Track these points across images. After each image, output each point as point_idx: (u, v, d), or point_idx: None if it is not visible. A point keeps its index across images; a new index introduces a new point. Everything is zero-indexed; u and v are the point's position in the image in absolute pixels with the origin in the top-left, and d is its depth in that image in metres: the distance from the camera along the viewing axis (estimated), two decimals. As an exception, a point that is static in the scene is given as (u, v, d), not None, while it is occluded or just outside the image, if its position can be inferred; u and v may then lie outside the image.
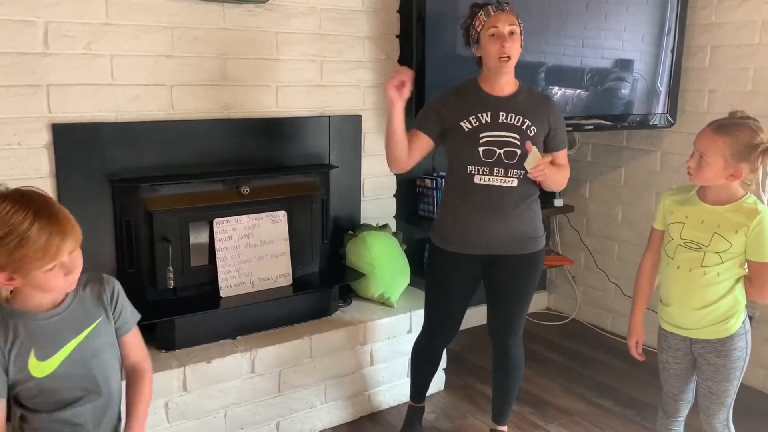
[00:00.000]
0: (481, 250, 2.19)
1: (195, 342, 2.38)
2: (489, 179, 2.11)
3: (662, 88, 3.22)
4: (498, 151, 2.09)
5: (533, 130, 2.11)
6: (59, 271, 1.36)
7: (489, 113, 2.12)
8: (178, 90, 2.42)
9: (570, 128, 3.22)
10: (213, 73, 2.48)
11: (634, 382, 3.08)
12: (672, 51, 3.18)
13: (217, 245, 2.47)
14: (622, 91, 3.19)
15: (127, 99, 2.33)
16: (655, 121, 3.29)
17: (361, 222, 2.94)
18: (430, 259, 2.35)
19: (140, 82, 2.35)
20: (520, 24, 2.10)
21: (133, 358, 1.62)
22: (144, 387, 1.61)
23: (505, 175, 2.11)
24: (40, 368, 1.42)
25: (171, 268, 2.37)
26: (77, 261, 1.41)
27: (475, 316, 3.24)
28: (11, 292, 1.43)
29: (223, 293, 2.48)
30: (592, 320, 3.80)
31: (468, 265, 2.22)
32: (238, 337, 2.47)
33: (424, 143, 2.18)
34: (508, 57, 2.06)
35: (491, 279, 2.28)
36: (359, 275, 2.78)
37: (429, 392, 2.88)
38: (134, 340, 1.63)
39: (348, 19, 2.76)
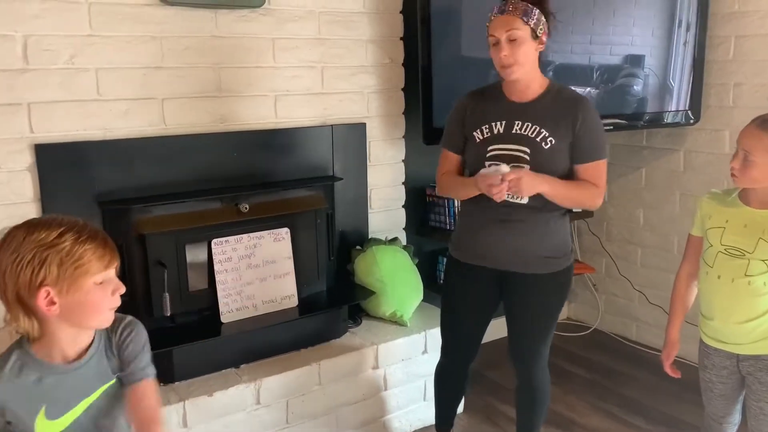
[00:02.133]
0: (492, 263, 2.02)
1: (195, 373, 2.23)
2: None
3: (674, 83, 3.09)
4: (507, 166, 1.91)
5: (550, 141, 1.89)
6: (108, 286, 1.26)
7: (504, 122, 1.94)
8: (169, 103, 2.28)
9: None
10: (207, 84, 2.34)
11: (665, 396, 2.90)
12: (685, 44, 3.04)
13: (217, 267, 2.32)
14: (635, 88, 3.07)
15: (115, 115, 2.19)
16: (677, 118, 3.12)
17: (369, 236, 2.79)
18: (445, 271, 2.22)
19: (128, 97, 2.21)
20: (529, 21, 1.84)
21: (141, 413, 1.35)
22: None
23: None
24: (49, 428, 1.27)
25: (167, 294, 2.22)
26: (120, 284, 1.30)
27: (495, 329, 3.05)
28: (34, 340, 1.28)
29: (224, 319, 2.32)
30: (616, 330, 3.62)
31: (482, 278, 2.06)
32: (242, 366, 2.31)
33: (459, 161, 2.07)
34: (511, 65, 1.87)
35: (506, 298, 2.10)
36: (369, 293, 2.63)
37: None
38: (147, 393, 1.38)
39: (348, 22, 2.61)
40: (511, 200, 1.92)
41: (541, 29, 1.88)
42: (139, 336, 1.40)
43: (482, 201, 1.94)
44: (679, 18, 3.02)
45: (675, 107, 3.11)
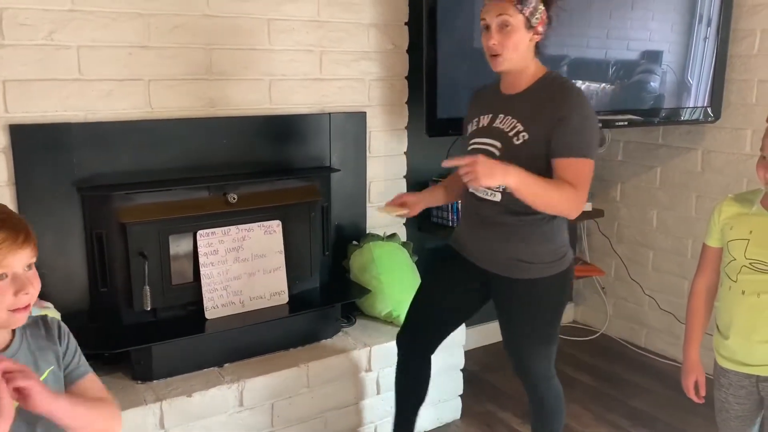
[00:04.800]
0: (476, 260, 1.92)
1: (175, 371, 2.11)
2: (475, 189, 1.85)
3: (693, 80, 2.95)
4: None
5: (523, 137, 1.74)
6: (9, 285, 1.11)
7: (490, 116, 1.84)
8: (156, 85, 2.16)
9: (600, 124, 2.91)
10: (196, 66, 2.22)
11: (674, 409, 2.75)
12: (705, 39, 2.90)
13: (202, 260, 2.20)
14: (652, 84, 2.94)
15: (98, 96, 2.07)
16: (695, 115, 2.96)
17: (367, 231, 2.66)
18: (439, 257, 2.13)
19: (112, 77, 2.08)
20: (524, 9, 1.70)
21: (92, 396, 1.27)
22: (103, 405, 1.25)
23: (488, 187, 1.80)
24: None
25: (148, 287, 2.10)
26: (34, 280, 1.15)
27: (494, 331, 2.93)
28: None
29: (208, 315, 2.20)
30: (624, 335, 3.47)
31: (467, 267, 1.94)
32: (225, 365, 2.19)
33: None
34: (499, 54, 1.74)
35: (493, 300, 1.98)
36: (364, 292, 2.50)
37: (444, 421, 2.62)
38: (92, 385, 1.29)
39: (350, 4, 2.47)
40: (484, 196, 1.82)
41: (537, 18, 1.73)
42: (70, 333, 1.29)
43: (467, 198, 1.92)
44: (699, 13, 2.90)
45: (693, 104, 2.96)
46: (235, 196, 2.24)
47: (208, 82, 2.25)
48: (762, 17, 2.77)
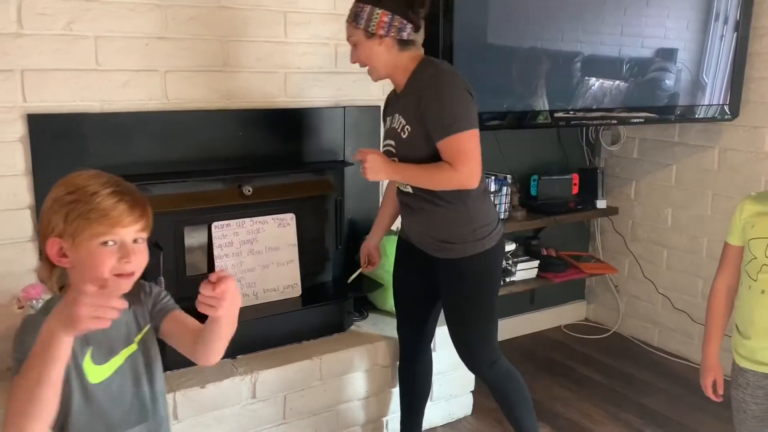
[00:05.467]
0: (417, 244, 2.03)
1: (188, 362, 2.05)
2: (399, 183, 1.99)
3: (708, 79, 2.92)
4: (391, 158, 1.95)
5: (407, 130, 1.87)
6: (115, 251, 1.14)
7: (390, 118, 1.97)
8: (172, 76, 2.16)
9: (615, 122, 2.91)
10: (212, 58, 2.21)
11: (687, 408, 2.73)
12: (722, 38, 2.87)
13: (216, 252, 2.20)
14: (667, 82, 2.91)
15: (114, 86, 2.07)
16: (713, 113, 2.93)
17: (380, 225, 2.63)
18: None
19: (129, 68, 2.09)
20: (359, 24, 1.84)
21: (191, 327, 1.30)
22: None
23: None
24: (95, 372, 1.22)
25: (163, 278, 2.10)
26: (139, 253, 1.17)
27: (505, 327, 2.93)
28: (62, 288, 1.21)
29: (222, 306, 2.20)
30: (636, 334, 3.45)
31: (415, 252, 2.03)
32: (238, 357, 2.19)
33: None
34: (365, 67, 1.92)
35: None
36: (377, 285, 2.49)
37: (455, 417, 2.61)
38: (186, 317, 1.34)
39: (366, -2, 2.45)
40: (403, 189, 1.97)
41: (373, 25, 1.82)
42: (152, 284, 1.36)
43: (398, 191, 2.04)
44: (716, 11, 2.87)
45: (709, 102, 2.93)
46: (250, 189, 2.24)
47: (223, 74, 2.24)
48: (782, 14, 2.75)
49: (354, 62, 1.92)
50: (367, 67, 1.92)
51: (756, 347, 1.62)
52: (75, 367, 1.18)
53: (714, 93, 2.93)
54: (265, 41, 2.30)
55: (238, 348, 2.20)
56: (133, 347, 1.28)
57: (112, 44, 2.05)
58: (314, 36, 2.39)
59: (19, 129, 1.96)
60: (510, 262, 3.00)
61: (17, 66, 1.92)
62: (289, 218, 2.34)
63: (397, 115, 1.90)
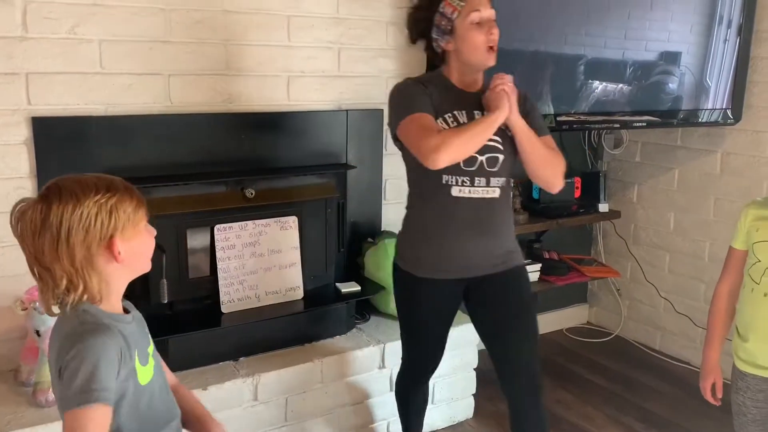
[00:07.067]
0: (458, 274, 1.84)
1: (191, 364, 2.12)
2: (470, 191, 1.77)
3: (711, 82, 2.92)
4: (480, 158, 1.75)
5: (509, 129, 1.77)
6: (151, 230, 1.26)
7: (465, 112, 1.78)
8: (175, 80, 2.17)
9: (618, 125, 2.91)
10: (216, 62, 2.23)
11: (689, 412, 2.73)
12: (725, 41, 2.87)
13: (219, 254, 2.21)
14: (670, 86, 2.91)
15: (118, 89, 2.09)
16: (715, 117, 2.93)
17: (382, 228, 2.66)
18: (398, 287, 1.96)
19: (133, 71, 2.10)
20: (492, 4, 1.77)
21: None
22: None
23: (487, 185, 1.78)
24: (143, 373, 1.25)
25: (165, 280, 2.11)
26: (152, 228, 1.29)
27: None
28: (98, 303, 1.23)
29: (224, 309, 2.21)
30: (638, 338, 3.45)
31: (443, 291, 1.87)
32: (240, 359, 2.20)
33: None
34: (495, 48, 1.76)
35: (479, 310, 1.90)
36: (379, 288, 2.49)
37: (457, 420, 2.62)
38: None
39: (369, 1, 2.48)
40: (484, 195, 1.78)
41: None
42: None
43: (443, 206, 1.80)
44: (720, 15, 2.87)
45: (712, 106, 2.93)
46: (253, 191, 2.25)
47: (227, 78, 2.26)
48: (786, 18, 2.75)
49: (496, 32, 1.74)
50: (493, 47, 1.75)
51: (756, 350, 1.62)
52: (131, 371, 1.20)
53: (717, 97, 2.93)
54: (268, 45, 2.31)
55: (241, 350, 2.22)
56: (152, 346, 1.31)
57: (116, 48, 2.06)
58: (317, 40, 2.40)
59: (24, 132, 1.98)
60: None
61: (22, 69, 1.94)
62: (292, 221, 2.35)
63: (478, 111, 1.78)
